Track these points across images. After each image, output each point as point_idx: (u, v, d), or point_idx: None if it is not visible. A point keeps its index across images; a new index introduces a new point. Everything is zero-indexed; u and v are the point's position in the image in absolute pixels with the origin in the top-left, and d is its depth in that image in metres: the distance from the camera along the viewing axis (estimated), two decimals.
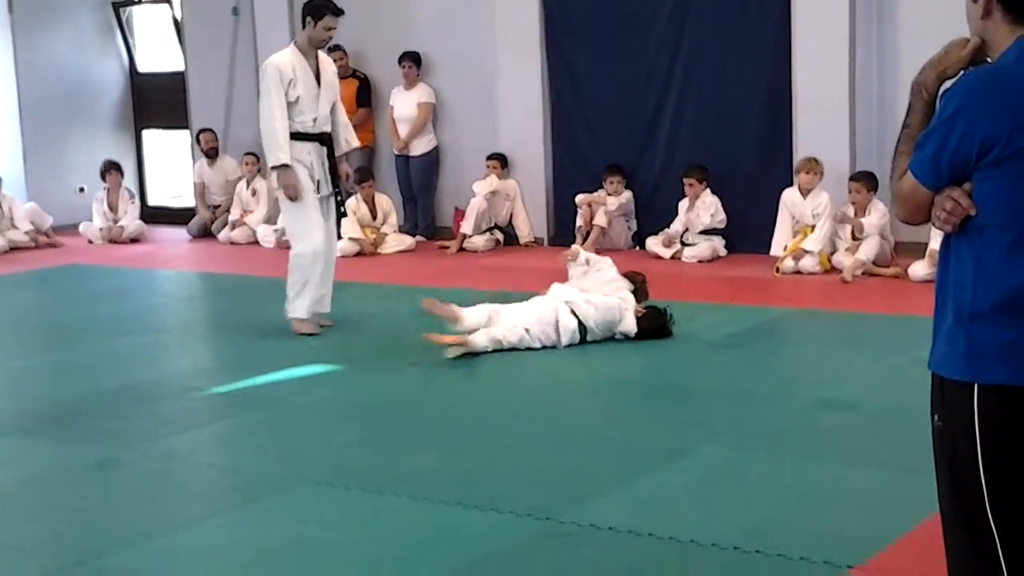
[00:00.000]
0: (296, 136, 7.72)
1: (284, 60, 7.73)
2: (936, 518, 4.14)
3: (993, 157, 2.48)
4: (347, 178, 8.21)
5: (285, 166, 7.65)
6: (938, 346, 2.62)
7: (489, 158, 11.36)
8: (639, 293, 7.52)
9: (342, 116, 8.12)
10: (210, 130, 13.20)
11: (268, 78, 7.69)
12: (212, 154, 13.14)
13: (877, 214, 9.31)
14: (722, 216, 10.28)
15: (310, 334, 7.77)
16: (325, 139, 7.86)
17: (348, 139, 8.13)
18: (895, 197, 2.67)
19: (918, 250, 9.06)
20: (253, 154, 12.68)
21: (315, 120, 7.78)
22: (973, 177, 2.53)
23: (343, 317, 8.02)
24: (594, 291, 7.35)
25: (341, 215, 8.05)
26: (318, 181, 7.80)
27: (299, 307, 7.82)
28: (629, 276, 7.58)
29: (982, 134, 2.48)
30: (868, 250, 9.22)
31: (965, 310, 2.55)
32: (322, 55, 7.92)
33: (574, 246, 7.86)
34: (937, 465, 2.66)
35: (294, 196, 7.69)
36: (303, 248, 7.83)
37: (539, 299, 7.38)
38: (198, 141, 13.29)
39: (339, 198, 7.97)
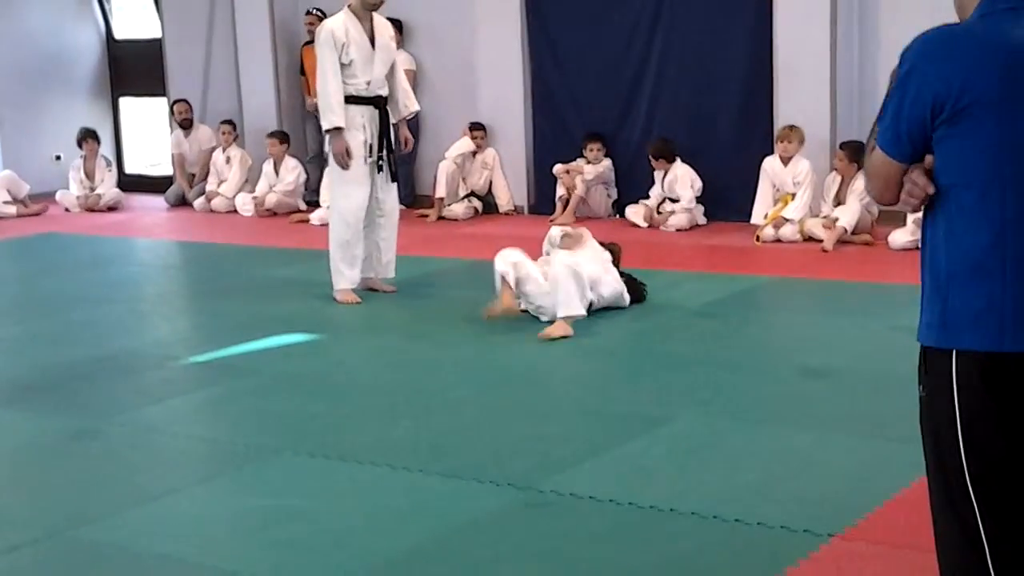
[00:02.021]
0: (350, 100, 7.67)
1: (337, 24, 7.68)
2: (915, 486, 4.16)
3: (947, 114, 2.45)
4: (406, 144, 8.10)
5: (338, 130, 7.62)
6: (921, 315, 2.60)
7: (474, 128, 11.29)
8: (616, 263, 7.47)
9: (402, 81, 8.09)
10: (184, 100, 13.09)
11: (322, 42, 7.66)
12: (186, 125, 13.04)
13: (861, 183, 9.30)
14: (699, 184, 10.24)
15: (353, 303, 7.71)
16: (380, 103, 7.80)
17: (407, 104, 8.08)
18: (867, 176, 2.65)
19: (899, 218, 9.06)
20: (230, 122, 12.60)
21: (369, 83, 7.72)
22: (933, 138, 2.50)
23: (322, 286, 7.97)
24: (593, 263, 7.24)
25: (395, 179, 7.99)
26: (370, 146, 7.74)
27: (339, 279, 7.78)
28: (608, 246, 7.52)
29: (933, 91, 2.45)
30: (847, 218, 9.20)
31: (940, 275, 2.53)
32: (377, 18, 7.83)
33: (560, 234, 7.63)
34: (922, 436, 2.64)
35: (344, 164, 7.65)
36: (337, 214, 7.81)
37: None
38: (172, 112, 13.19)
39: (389, 163, 7.89)
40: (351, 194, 7.75)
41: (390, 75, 7.90)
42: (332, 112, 7.63)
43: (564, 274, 6.86)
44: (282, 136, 12.14)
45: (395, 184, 8.02)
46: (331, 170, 7.94)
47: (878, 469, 4.55)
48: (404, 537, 4.10)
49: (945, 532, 2.60)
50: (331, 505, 4.42)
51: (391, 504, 4.41)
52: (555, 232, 7.48)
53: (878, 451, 4.76)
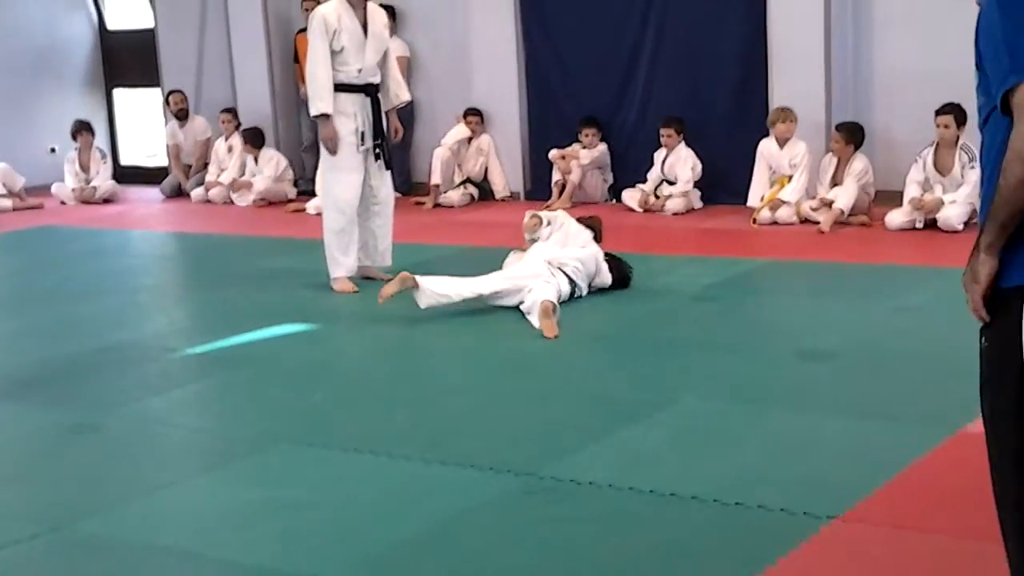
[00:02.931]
0: (341, 87, 7.68)
1: (329, 10, 7.68)
2: (916, 467, 4.17)
3: None
4: (396, 134, 8.12)
5: (325, 116, 7.63)
6: (1002, 261, 2.52)
7: (469, 114, 11.28)
8: (597, 239, 7.46)
9: (394, 70, 8.06)
10: (179, 91, 13.05)
11: (313, 29, 7.68)
12: (182, 115, 13.01)
13: (858, 165, 9.29)
14: (699, 167, 10.23)
15: (350, 292, 7.72)
16: (371, 91, 7.80)
17: (399, 93, 8.06)
18: None
19: (895, 199, 9.05)
20: (231, 110, 12.56)
21: (360, 71, 7.71)
22: None
23: (319, 275, 7.96)
24: (571, 245, 7.27)
25: (388, 167, 7.98)
26: (362, 133, 7.75)
27: (335, 268, 7.80)
28: (587, 223, 7.49)
29: None
30: (845, 199, 9.19)
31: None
32: (371, 6, 7.83)
33: (528, 217, 7.63)
34: (980, 386, 2.60)
35: (333, 149, 7.67)
36: (331, 202, 7.85)
37: (521, 264, 7.22)
38: (167, 103, 13.16)
39: (382, 151, 7.86)
40: (343, 180, 7.76)
41: (383, 64, 7.88)
42: (320, 99, 7.63)
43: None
44: (246, 136, 12.11)
45: (389, 172, 8.02)
46: (324, 159, 7.94)
47: (878, 450, 4.55)
48: (404, 525, 4.10)
49: (995, 469, 2.58)
50: (331, 494, 4.42)
51: (391, 493, 4.41)
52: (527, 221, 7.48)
53: (878, 432, 4.76)
